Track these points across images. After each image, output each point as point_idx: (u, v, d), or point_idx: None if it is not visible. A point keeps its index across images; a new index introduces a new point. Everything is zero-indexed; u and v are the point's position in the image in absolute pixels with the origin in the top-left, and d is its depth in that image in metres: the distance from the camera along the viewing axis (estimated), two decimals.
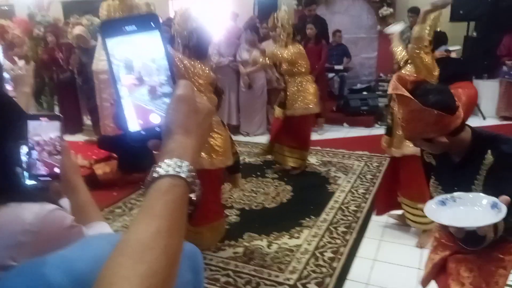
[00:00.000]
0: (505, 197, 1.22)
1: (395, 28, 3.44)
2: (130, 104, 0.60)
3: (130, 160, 4.17)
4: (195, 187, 0.56)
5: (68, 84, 6.20)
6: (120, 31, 0.59)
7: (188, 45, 2.67)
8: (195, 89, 0.64)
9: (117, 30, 0.59)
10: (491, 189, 1.36)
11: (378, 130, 6.33)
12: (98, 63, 5.30)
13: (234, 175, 3.25)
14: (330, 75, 7.33)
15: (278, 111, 4.63)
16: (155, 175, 0.54)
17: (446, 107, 1.49)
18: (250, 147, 5.78)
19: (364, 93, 7.14)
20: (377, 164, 4.89)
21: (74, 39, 5.62)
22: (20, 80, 4.84)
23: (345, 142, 5.85)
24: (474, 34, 6.95)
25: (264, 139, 6.09)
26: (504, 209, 1.21)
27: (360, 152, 5.34)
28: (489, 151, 1.51)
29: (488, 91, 6.57)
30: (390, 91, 1.63)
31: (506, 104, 6.39)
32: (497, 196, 1.27)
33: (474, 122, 6.06)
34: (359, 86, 7.65)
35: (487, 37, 6.59)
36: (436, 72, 2.84)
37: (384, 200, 3.45)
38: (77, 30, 5.59)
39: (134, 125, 0.61)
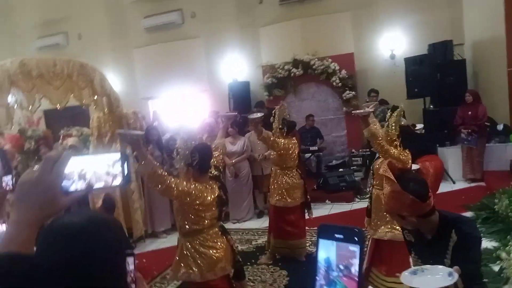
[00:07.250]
0: (457, 268, 1.60)
1: (366, 110, 3.52)
2: None
3: None
4: None
5: None
6: (331, 236, 0.81)
7: (192, 164, 2.76)
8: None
9: (329, 234, 0.82)
10: (457, 263, 1.71)
11: (359, 204, 6.70)
12: None
13: (240, 282, 3.25)
14: (307, 155, 7.85)
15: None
16: None
17: (420, 195, 1.89)
18: (241, 234, 5.99)
19: (341, 169, 7.62)
20: None
21: (68, 148, 5.96)
22: None
23: (330, 219, 6.16)
24: (431, 107, 7.73)
25: (253, 224, 6.36)
26: (456, 276, 1.58)
27: None
28: (453, 231, 1.88)
29: (452, 157, 7.16)
30: (381, 172, 2.05)
31: (470, 167, 6.94)
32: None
33: (445, 187, 6.55)
34: (334, 162, 8.20)
35: (443, 110, 7.36)
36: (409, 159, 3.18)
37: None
38: (71, 141, 5.98)
39: None
